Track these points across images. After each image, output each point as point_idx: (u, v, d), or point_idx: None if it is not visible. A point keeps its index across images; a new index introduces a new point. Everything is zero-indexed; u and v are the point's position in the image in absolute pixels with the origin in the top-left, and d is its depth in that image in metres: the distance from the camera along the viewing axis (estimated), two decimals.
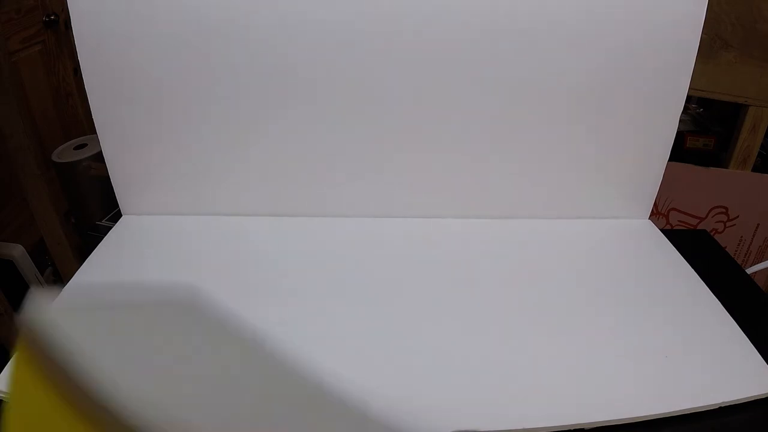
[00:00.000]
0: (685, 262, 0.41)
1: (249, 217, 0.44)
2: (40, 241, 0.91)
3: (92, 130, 0.42)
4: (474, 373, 0.30)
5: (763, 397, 0.30)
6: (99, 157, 0.77)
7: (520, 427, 0.27)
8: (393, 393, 0.29)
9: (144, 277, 0.38)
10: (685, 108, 0.92)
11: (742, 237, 1.00)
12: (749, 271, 0.46)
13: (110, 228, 0.44)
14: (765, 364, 0.31)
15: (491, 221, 0.44)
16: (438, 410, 0.28)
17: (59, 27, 1.17)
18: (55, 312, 0.14)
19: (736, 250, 1.01)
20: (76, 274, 0.38)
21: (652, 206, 0.45)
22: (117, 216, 0.46)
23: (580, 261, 0.40)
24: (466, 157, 0.42)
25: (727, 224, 0.99)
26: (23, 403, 0.15)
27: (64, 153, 0.95)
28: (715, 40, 0.87)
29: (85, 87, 0.40)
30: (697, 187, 0.97)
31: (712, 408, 0.29)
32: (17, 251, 0.92)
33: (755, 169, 0.98)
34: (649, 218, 0.46)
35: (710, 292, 0.37)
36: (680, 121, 0.41)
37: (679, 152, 0.98)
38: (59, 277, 0.96)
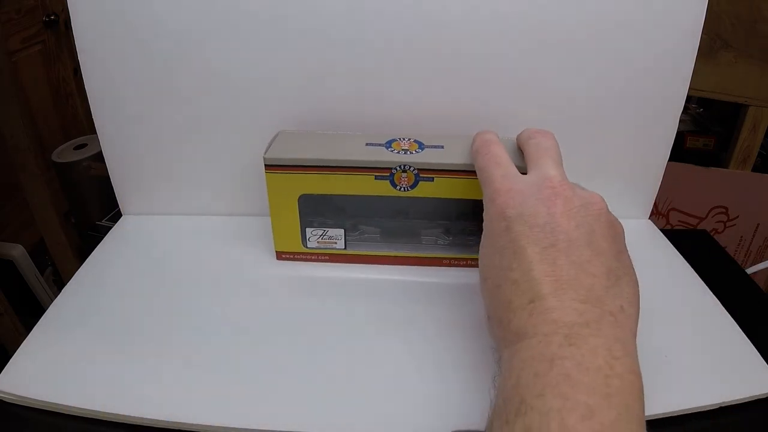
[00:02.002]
0: (685, 262, 0.41)
1: (250, 217, 0.44)
2: (40, 241, 0.91)
3: (92, 130, 0.42)
4: (475, 372, 0.30)
5: (763, 397, 0.30)
6: (99, 157, 0.77)
7: None
8: (392, 391, 0.29)
9: (144, 278, 0.38)
10: (685, 108, 0.92)
11: (742, 237, 1.00)
12: (749, 271, 0.46)
13: (110, 228, 0.44)
14: (765, 364, 0.31)
15: None
16: (437, 409, 0.28)
17: (59, 27, 1.17)
18: None
19: (736, 250, 1.01)
20: (76, 274, 0.38)
21: (652, 206, 0.45)
22: (117, 216, 0.46)
23: None
24: None
25: (727, 224, 0.99)
26: None
27: (64, 153, 0.95)
28: (715, 40, 0.87)
29: (85, 87, 0.40)
30: (697, 187, 0.97)
31: (712, 408, 0.29)
32: (17, 251, 0.92)
33: (755, 169, 0.99)
34: (649, 218, 0.46)
35: (710, 292, 0.37)
36: (680, 121, 0.41)
37: (679, 152, 0.98)
38: (59, 277, 0.96)
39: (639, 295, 0.26)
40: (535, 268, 0.24)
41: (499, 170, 0.29)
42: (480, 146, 0.31)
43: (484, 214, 0.28)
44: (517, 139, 0.34)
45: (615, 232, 0.26)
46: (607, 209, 0.27)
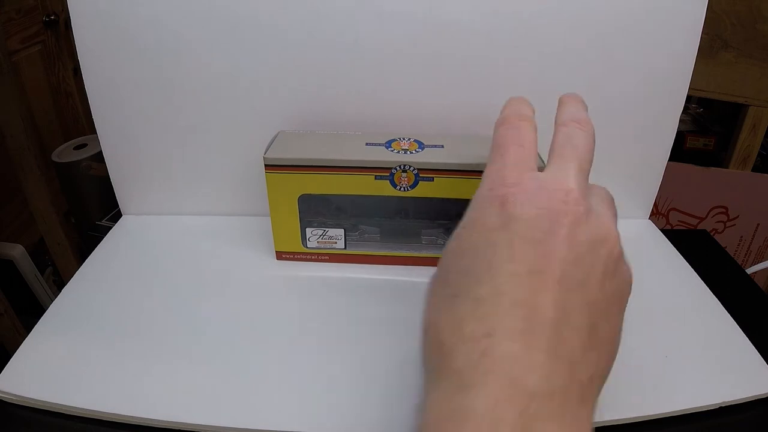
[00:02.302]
0: (685, 262, 0.41)
1: (250, 217, 0.44)
2: (40, 241, 0.92)
3: (92, 130, 0.42)
4: None
5: (763, 397, 0.30)
6: (99, 157, 0.77)
7: None
8: (392, 391, 0.29)
9: (144, 277, 0.38)
10: (685, 108, 0.92)
11: (742, 237, 1.00)
12: (749, 271, 0.46)
13: (110, 228, 0.44)
14: (765, 364, 0.31)
15: None
16: None
17: (59, 27, 1.17)
18: None
19: (736, 250, 1.01)
20: (76, 274, 0.38)
21: (652, 206, 0.45)
22: (117, 216, 0.46)
23: None
24: None
25: (727, 224, 0.99)
26: None
27: (64, 153, 0.95)
28: (715, 40, 0.87)
29: (85, 87, 0.40)
30: (697, 187, 0.97)
31: (712, 408, 0.29)
32: (17, 251, 0.92)
33: (755, 169, 0.99)
34: (649, 218, 0.46)
35: (710, 292, 0.37)
36: (680, 121, 0.41)
37: (679, 152, 0.98)
38: (59, 277, 0.97)
39: (610, 372, 0.21)
40: (507, 291, 0.19)
41: (517, 153, 0.23)
42: (509, 116, 0.26)
43: (473, 197, 0.23)
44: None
45: (617, 286, 0.21)
46: (620, 253, 0.22)
